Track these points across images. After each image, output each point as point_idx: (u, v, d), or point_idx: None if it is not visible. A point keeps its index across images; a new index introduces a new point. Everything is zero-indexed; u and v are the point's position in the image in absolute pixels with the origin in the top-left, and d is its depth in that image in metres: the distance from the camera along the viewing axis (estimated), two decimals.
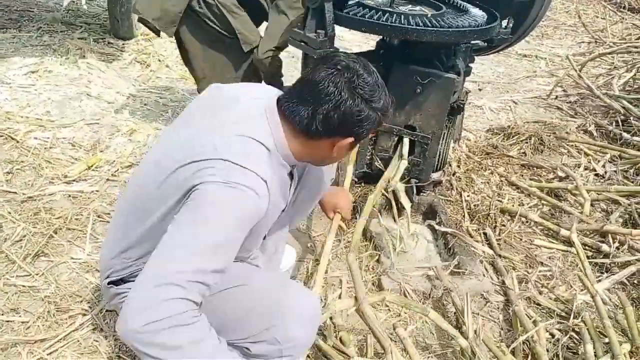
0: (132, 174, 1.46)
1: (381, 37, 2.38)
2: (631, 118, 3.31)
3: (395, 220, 2.24)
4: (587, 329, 1.77)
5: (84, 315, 1.78)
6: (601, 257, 2.25)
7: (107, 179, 2.48)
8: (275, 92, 1.35)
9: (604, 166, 2.94)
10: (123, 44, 4.11)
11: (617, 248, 2.24)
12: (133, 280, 1.36)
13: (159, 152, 1.36)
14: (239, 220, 1.16)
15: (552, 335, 1.84)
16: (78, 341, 1.69)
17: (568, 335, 1.84)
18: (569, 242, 2.30)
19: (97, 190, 2.40)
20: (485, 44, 2.46)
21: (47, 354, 1.63)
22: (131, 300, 1.08)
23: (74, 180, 2.44)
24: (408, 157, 2.32)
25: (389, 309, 1.94)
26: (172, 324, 1.06)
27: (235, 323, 1.32)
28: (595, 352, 1.67)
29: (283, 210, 1.46)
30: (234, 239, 1.16)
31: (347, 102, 1.21)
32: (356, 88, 1.21)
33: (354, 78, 1.21)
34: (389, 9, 2.08)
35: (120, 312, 1.10)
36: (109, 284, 1.42)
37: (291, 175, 1.43)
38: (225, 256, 1.14)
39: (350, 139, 1.28)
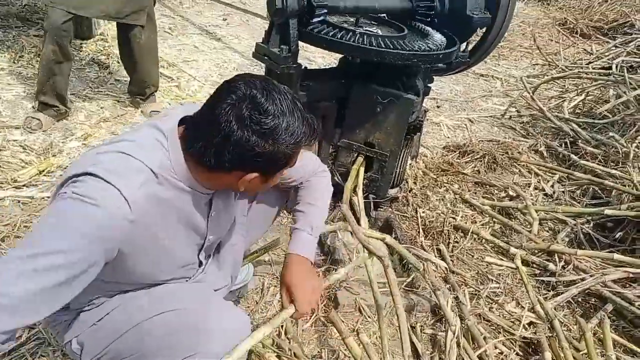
0: None
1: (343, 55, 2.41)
2: (579, 141, 3.46)
3: (352, 235, 2.27)
4: (548, 338, 1.87)
5: (31, 328, 1.72)
6: (547, 275, 2.34)
7: None
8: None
9: (552, 186, 3.07)
10: (81, 44, 4.00)
11: (563, 267, 2.33)
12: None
13: None
14: (79, 236, 1.06)
15: (501, 352, 1.91)
16: (24, 356, 1.63)
17: (515, 352, 1.92)
18: None
19: (48, 197, 2.33)
20: (445, 66, 2.52)
21: None
22: None
23: (24, 185, 2.37)
24: (366, 173, 2.37)
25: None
26: None
27: (159, 352, 1.27)
28: None
29: (204, 241, 1.43)
30: (72, 253, 1.05)
31: (236, 133, 1.10)
32: (245, 120, 1.09)
33: (245, 110, 1.10)
34: (353, 28, 2.12)
35: None
36: None
37: (210, 203, 1.36)
38: (63, 273, 1.04)
39: (254, 175, 1.19)
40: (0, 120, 2.84)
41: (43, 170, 2.47)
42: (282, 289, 1.50)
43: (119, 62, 3.82)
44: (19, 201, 2.27)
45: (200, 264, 1.51)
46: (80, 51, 3.90)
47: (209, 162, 1.15)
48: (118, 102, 3.32)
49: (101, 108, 3.21)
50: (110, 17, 2.87)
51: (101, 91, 3.42)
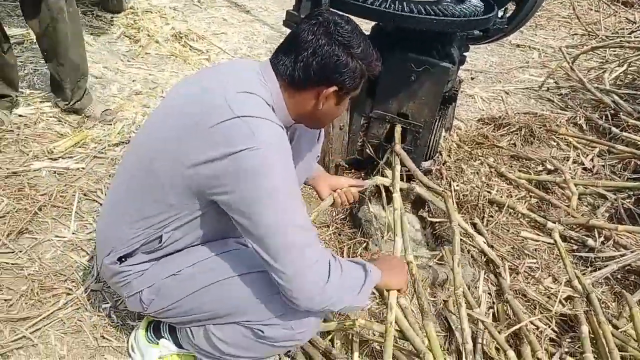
0: (132, 144, 1.47)
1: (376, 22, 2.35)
2: (621, 113, 3.32)
3: (384, 208, 2.24)
4: (585, 312, 1.83)
5: (68, 294, 1.76)
6: (586, 250, 2.27)
7: (94, 157, 2.44)
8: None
9: (592, 160, 2.96)
10: (112, 18, 4.01)
11: (603, 243, 2.26)
12: (140, 253, 1.37)
13: (164, 113, 1.37)
14: (291, 169, 1.27)
15: (537, 327, 1.87)
16: (62, 320, 1.67)
17: (551, 328, 1.87)
18: None
19: (83, 168, 2.36)
20: (482, 33, 2.44)
21: (30, 333, 1.61)
22: (289, 283, 1.22)
23: (59, 157, 2.39)
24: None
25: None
26: (330, 279, 1.26)
27: (252, 306, 1.35)
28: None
29: None
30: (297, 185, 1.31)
31: (324, 47, 1.27)
32: (333, 34, 1.27)
33: (331, 25, 1.28)
34: None
35: (286, 295, 1.24)
36: (113, 261, 1.39)
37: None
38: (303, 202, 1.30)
39: (333, 88, 1.32)
40: (36, 92, 2.87)
41: (78, 142, 2.50)
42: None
43: (149, 36, 3.82)
44: (54, 172, 2.30)
45: None
46: (112, 25, 3.91)
47: (297, 76, 1.29)
48: (149, 75, 3.32)
49: (133, 81, 3.22)
50: None
51: (133, 65, 3.43)
